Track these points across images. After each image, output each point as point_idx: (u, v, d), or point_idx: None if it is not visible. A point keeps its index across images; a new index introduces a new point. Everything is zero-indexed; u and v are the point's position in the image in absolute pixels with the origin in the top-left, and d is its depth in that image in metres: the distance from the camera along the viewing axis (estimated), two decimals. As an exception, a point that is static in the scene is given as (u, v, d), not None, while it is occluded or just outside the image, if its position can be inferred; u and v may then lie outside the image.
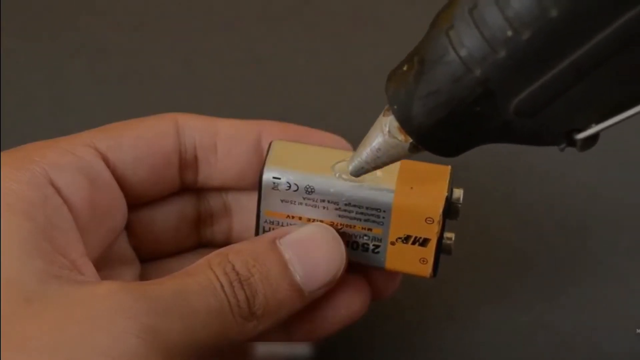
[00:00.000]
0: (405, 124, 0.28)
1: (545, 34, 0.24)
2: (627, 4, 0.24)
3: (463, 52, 0.26)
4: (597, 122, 0.26)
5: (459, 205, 0.33)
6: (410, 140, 0.29)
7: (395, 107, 0.28)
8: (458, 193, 0.33)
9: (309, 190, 0.33)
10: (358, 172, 0.31)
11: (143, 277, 0.36)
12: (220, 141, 0.35)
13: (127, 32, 0.52)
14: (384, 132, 0.29)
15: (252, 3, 0.54)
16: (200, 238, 0.37)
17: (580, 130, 0.27)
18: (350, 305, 0.34)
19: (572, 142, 0.27)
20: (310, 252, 0.32)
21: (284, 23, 0.53)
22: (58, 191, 0.31)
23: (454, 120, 0.27)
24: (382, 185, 0.33)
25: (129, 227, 0.35)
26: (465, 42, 0.26)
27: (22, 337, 0.27)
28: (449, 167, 0.33)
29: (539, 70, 0.25)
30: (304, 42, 0.51)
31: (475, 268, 0.42)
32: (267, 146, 0.34)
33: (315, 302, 0.33)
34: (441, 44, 0.26)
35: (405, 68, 0.28)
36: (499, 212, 0.44)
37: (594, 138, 0.27)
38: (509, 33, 0.25)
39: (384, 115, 0.29)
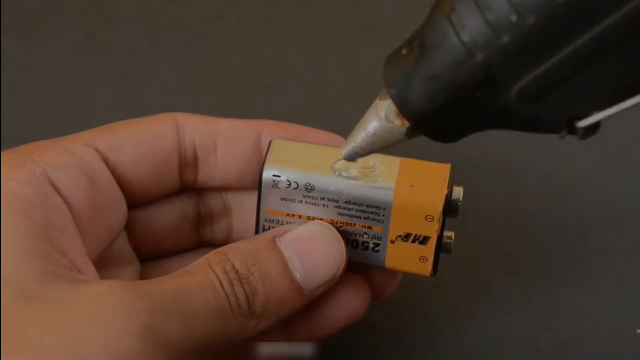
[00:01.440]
0: (404, 108, 0.27)
1: (550, 19, 0.24)
2: None
3: (465, 37, 0.25)
4: (600, 110, 0.26)
5: (459, 203, 0.33)
6: (407, 124, 0.28)
7: (394, 90, 0.27)
8: (458, 191, 0.33)
9: (309, 188, 0.33)
10: (352, 157, 0.30)
11: (143, 276, 0.36)
12: (220, 141, 0.35)
13: (127, 32, 0.52)
14: (380, 116, 0.28)
15: (252, 3, 0.54)
16: (200, 238, 0.37)
17: (581, 118, 0.26)
18: (350, 304, 0.34)
19: (573, 130, 0.26)
20: (310, 250, 0.32)
21: (284, 23, 0.53)
22: (58, 191, 0.31)
23: (453, 105, 0.26)
24: (382, 183, 0.33)
25: (128, 227, 0.35)
26: (468, 27, 0.25)
27: (22, 337, 0.27)
28: (449, 165, 0.33)
29: (542, 57, 0.25)
30: (304, 42, 0.51)
31: (475, 267, 0.42)
32: (267, 145, 0.34)
33: (315, 302, 0.33)
34: (442, 28, 0.26)
35: (404, 52, 0.27)
36: (499, 211, 0.44)
37: (595, 127, 0.26)
38: (513, 18, 0.24)
39: (380, 99, 0.28)
